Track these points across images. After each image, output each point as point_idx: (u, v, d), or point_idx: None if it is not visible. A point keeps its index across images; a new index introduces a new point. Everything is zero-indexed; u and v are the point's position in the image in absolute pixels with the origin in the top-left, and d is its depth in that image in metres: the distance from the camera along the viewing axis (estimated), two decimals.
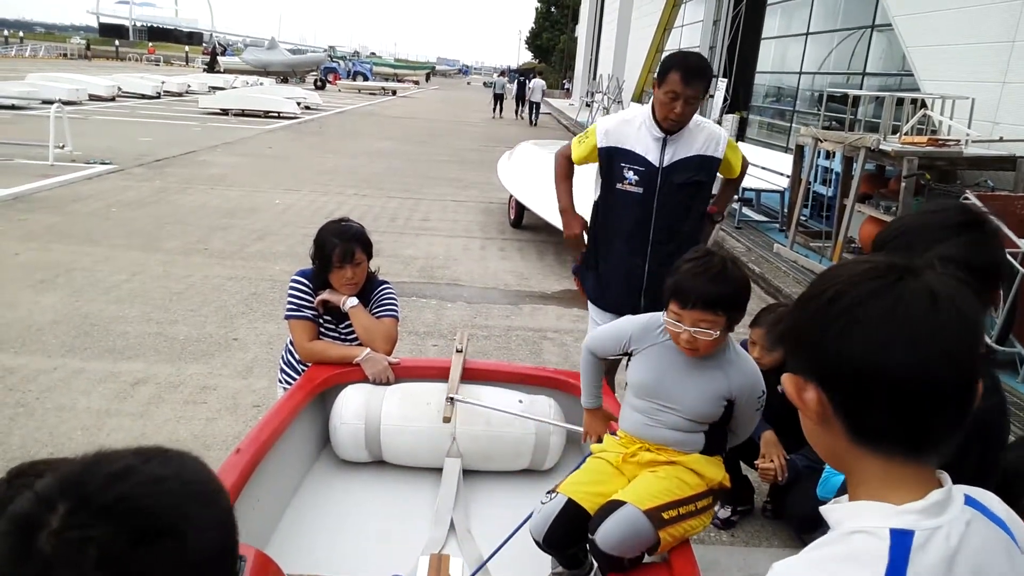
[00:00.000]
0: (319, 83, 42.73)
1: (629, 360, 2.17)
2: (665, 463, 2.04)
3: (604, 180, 3.43)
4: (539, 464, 2.79)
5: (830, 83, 12.03)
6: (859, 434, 0.89)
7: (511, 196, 9.76)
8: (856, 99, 9.97)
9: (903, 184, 6.71)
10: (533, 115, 29.32)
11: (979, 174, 7.42)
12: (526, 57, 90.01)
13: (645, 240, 3.38)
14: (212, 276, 6.81)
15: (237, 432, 4.05)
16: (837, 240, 7.79)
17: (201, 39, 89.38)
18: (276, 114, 22.83)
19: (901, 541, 0.83)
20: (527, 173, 9.32)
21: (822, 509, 0.93)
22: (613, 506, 1.91)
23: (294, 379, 3.00)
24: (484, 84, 76.24)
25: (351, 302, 2.93)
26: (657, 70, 3.25)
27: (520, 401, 2.78)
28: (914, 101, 8.17)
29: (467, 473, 2.72)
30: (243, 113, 22.50)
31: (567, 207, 3.58)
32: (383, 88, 45.02)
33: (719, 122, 15.60)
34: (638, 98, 24.45)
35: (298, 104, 24.63)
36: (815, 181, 9.59)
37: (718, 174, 3.46)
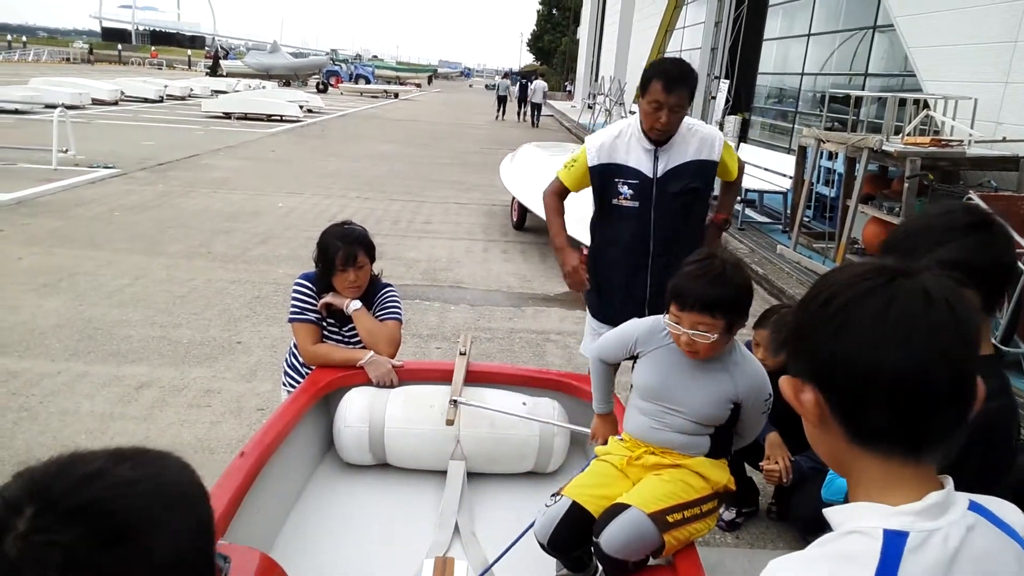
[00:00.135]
0: (321, 86, 42.82)
1: (635, 363, 2.17)
2: (670, 466, 2.03)
3: (598, 197, 3.35)
4: (543, 467, 2.79)
5: (832, 84, 12.02)
6: (857, 435, 0.89)
7: (513, 198, 9.76)
8: (858, 100, 9.97)
9: (906, 185, 6.70)
10: (534, 117, 29.38)
11: (982, 174, 7.41)
12: (528, 59, 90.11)
13: (645, 253, 3.30)
14: (215, 280, 6.82)
15: (241, 435, 4.05)
16: (840, 241, 7.78)
17: (204, 43, 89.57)
18: (278, 118, 22.87)
19: (894, 541, 0.82)
20: (529, 175, 9.32)
21: (825, 512, 0.93)
22: (618, 509, 1.91)
23: (298, 382, 3.00)
24: (486, 87, 76.36)
25: (354, 305, 2.93)
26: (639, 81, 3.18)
27: (524, 403, 2.78)
28: (916, 102, 8.16)
29: (471, 476, 2.72)
30: (245, 117, 22.53)
31: (562, 245, 3.43)
32: (385, 91, 45.09)
33: (721, 124, 15.60)
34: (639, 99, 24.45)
35: (300, 107, 24.68)
36: (818, 182, 9.57)
37: (717, 177, 3.40)
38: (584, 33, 44.31)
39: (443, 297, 6.86)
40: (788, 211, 10.11)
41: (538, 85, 29.58)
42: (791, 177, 9.87)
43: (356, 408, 2.73)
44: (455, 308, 6.58)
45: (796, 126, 13.60)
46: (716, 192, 3.60)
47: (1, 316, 5.55)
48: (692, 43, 20.07)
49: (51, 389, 4.49)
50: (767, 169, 10.98)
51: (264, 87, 34.05)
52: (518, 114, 31.70)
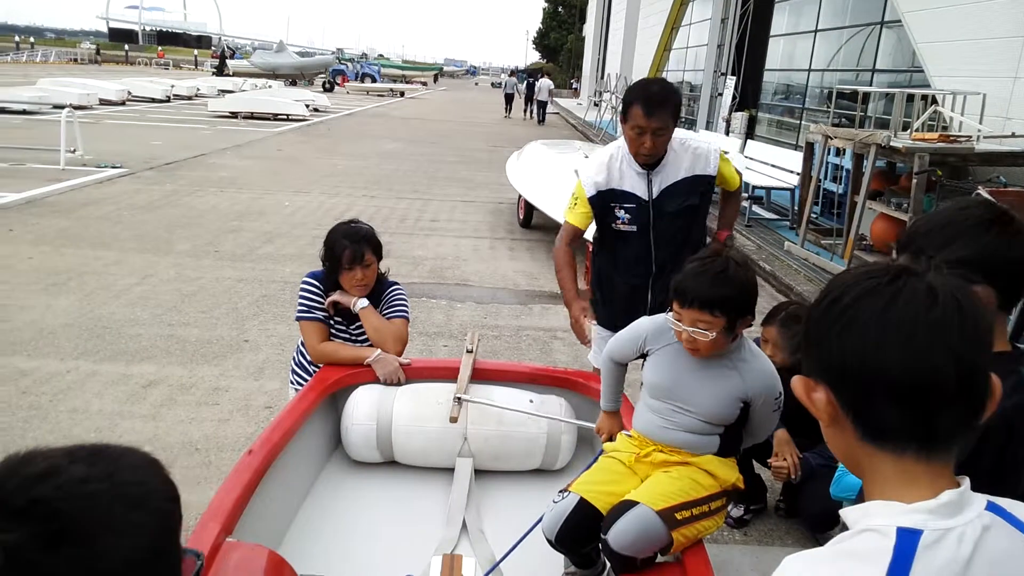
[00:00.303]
0: (327, 85, 42.84)
1: (645, 361, 2.17)
2: (678, 463, 2.03)
3: (598, 222, 3.25)
4: (551, 464, 2.79)
5: (839, 80, 11.96)
6: (867, 433, 0.90)
7: (520, 196, 9.76)
8: (866, 96, 9.91)
9: (914, 181, 6.67)
10: (540, 115, 29.39)
11: (991, 170, 7.37)
12: (533, 57, 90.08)
13: (647, 274, 3.22)
14: (223, 278, 6.84)
15: (249, 433, 4.06)
16: (848, 237, 7.75)
17: (210, 43, 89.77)
18: (285, 117, 22.91)
19: (907, 539, 0.82)
20: (536, 173, 9.32)
21: (840, 512, 0.92)
22: (626, 506, 1.91)
23: (305, 380, 3.01)
24: (492, 85, 76.28)
25: (361, 303, 2.93)
26: (620, 105, 3.05)
27: (531, 401, 2.78)
28: (924, 97, 8.12)
29: (479, 473, 2.72)
30: (252, 116, 22.58)
31: (569, 300, 3.21)
32: (391, 90, 45.11)
33: (727, 120, 15.56)
34: None
35: (307, 106, 24.72)
36: (825, 178, 9.54)
37: (717, 187, 3.30)
38: (590, 30, 44.22)
39: (450, 295, 6.87)
40: (795, 208, 10.08)
41: (543, 83, 29.60)
42: (798, 174, 9.83)
43: (364, 406, 2.74)
44: (462, 306, 6.59)
45: (803, 122, 13.54)
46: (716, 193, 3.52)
47: (11, 315, 5.58)
48: (698, 39, 20.04)
49: (60, 388, 4.51)
50: (774, 166, 10.95)
51: (270, 86, 34.12)
52: (524, 111, 31.71)
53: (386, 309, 3.03)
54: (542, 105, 29.44)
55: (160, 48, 76.78)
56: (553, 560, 2.17)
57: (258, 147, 16.64)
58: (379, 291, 3.04)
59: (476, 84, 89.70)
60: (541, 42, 77.29)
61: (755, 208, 10.93)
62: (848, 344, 0.87)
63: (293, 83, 41.67)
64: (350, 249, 2.86)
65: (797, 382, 0.96)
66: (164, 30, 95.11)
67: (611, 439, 2.35)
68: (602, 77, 33.79)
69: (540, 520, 2.12)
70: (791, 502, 3.64)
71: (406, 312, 3.07)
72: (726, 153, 3.31)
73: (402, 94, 44.61)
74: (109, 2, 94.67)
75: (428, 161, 16.05)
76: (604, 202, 3.14)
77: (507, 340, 5.83)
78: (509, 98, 33.02)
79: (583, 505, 2.00)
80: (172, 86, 28.53)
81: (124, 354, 5.06)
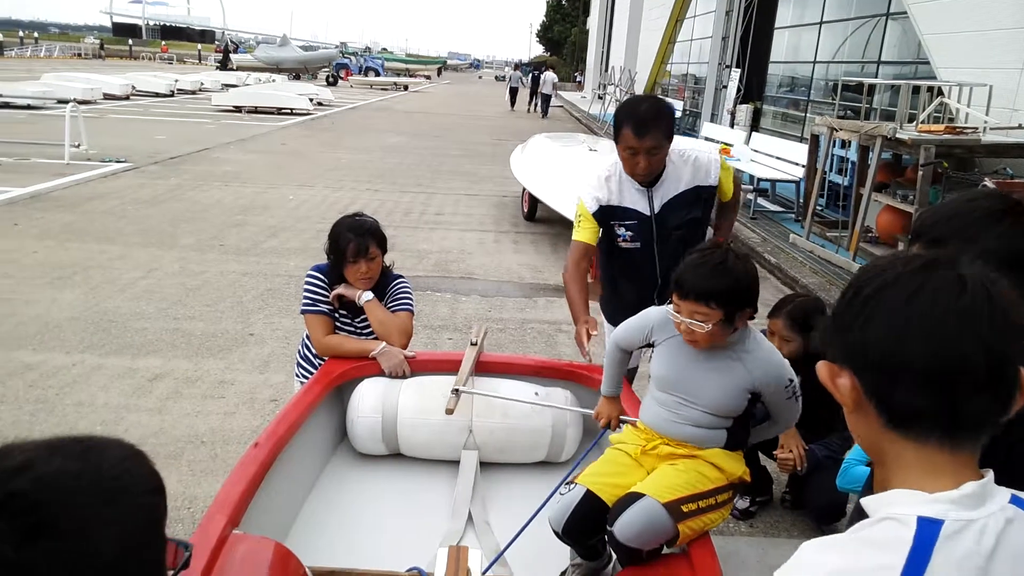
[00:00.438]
0: (331, 79, 42.78)
1: (652, 353, 2.17)
2: (685, 456, 2.03)
3: (603, 237, 3.17)
4: (556, 456, 2.79)
5: (845, 72, 11.91)
6: (891, 420, 0.89)
7: (524, 189, 9.75)
8: (871, 88, 9.88)
9: (920, 172, 6.65)
10: (544, 108, 29.35)
11: (998, 162, 7.34)
12: (537, 50, 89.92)
13: (653, 287, 3.17)
14: (228, 272, 6.84)
15: (255, 426, 4.07)
16: (854, 230, 7.73)
17: (213, 37, 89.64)
18: (289, 111, 22.90)
19: (928, 529, 0.81)
20: (540, 166, 9.31)
21: (862, 500, 0.92)
22: (632, 498, 1.91)
23: (311, 373, 3.01)
24: (495, 78, 76.12)
25: (366, 296, 2.93)
26: (612, 124, 2.95)
27: (536, 393, 2.78)
28: (930, 89, 8.08)
29: (484, 465, 2.72)
30: (256, 110, 22.57)
31: (576, 316, 3.08)
32: (395, 83, 45.02)
33: (732, 113, 15.51)
34: (650, 90, 24.33)
35: (310, 100, 24.70)
36: (831, 171, 9.51)
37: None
38: (594, 23, 44.08)
39: (454, 288, 6.87)
40: (801, 200, 10.05)
41: (547, 76, 29.56)
42: (804, 166, 9.81)
43: (369, 399, 2.74)
44: (466, 299, 6.59)
45: (808, 115, 13.50)
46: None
47: (17, 309, 5.60)
48: (703, 32, 19.96)
49: (67, 381, 4.53)
50: (779, 158, 10.92)
51: (274, 80, 34.09)
52: (530, 104, 31.69)
53: (391, 302, 3.03)
54: (546, 98, 29.40)
55: (164, 43, 76.72)
56: (559, 551, 2.17)
57: (262, 141, 16.64)
58: (384, 284, 3.04)
59: (480, 77, 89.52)
60: (545, 35, 77.05)
61: (760, 200, 10.90)
62: (874, 330, 0.87)
63: (297, 77, 41.63)
64: (354, 242, 2.85)
65: (822, 367, 0.96)
66: (168, 25, 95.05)
67: (609, 425, 2.37)
68: (606, 70, 33.69)
69: (541, 507, 2.13)
70: (797, 494, 3.64)
71: (411, 305, 3.06)
72: (728, 159, 3.23)
73: (406, 88, 44.53)
74: None
75: (432, 155, 16.03)
76: (606, 219, 3.07)
77: (512, 333, 5.83)
78: (514, 92, 33.00)
79: (590, 497, 2.00)
80: (176, 81, 28.50)
81: (130, 347, 5.07)
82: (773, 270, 7.85)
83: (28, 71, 31.09)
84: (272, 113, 22.50)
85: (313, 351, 3.06)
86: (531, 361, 3.35)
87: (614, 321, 3.39)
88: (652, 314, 2.18)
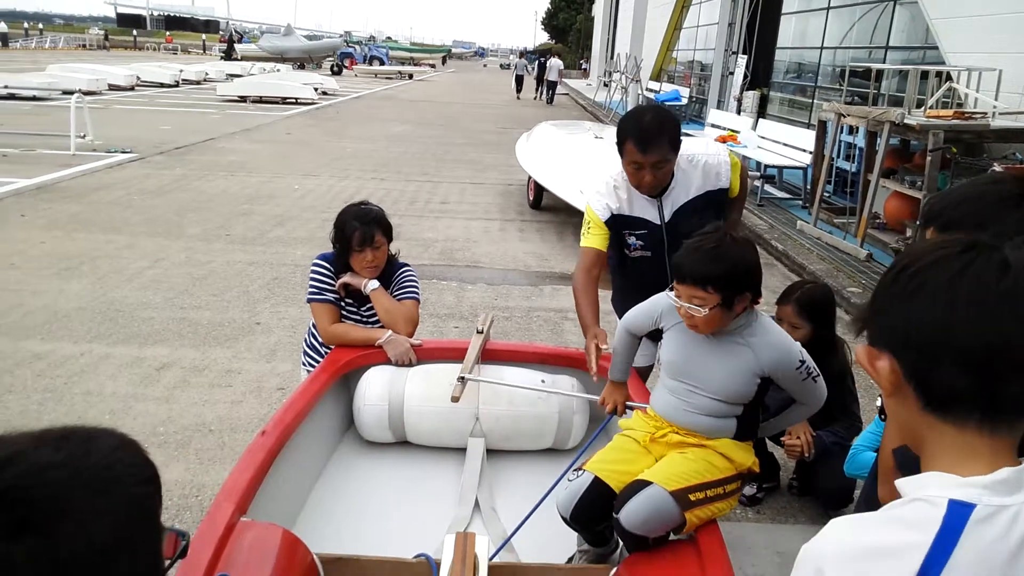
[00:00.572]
0: (336, 68, 42.69)
1: (661, 340, 2.17)
2: (694, 445, 2.02)
3: (613, 246, 3.06)
4: (562, 443, 2.79)
5: (852, 58, 11.83)
6: (929, 402, 0.88)
7: (530, 177, 9.73)
8: (879, 73, 9.80)
9: (929, 158, 6.60)
10: (550, 95, 29.27)
11: (1007, 147, 7.29)
12: (542, 38, 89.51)
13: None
14: (234, 262, 6.85)
15: (262, 415, 4.08)
16: (861, 216, 7.69)
17: (218, 27, 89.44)
18: (293, 100, 22.87)
19: (958, 512, 0.81)
20: (545, 154, 9.28)
21: (897, 482, 0.91)
22: (639, 486, 1.91)
23: (317, 362, 3.01)
24: (500, 66, 75.86)
25: (372, 285, 2.93)
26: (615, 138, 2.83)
27: (543, 381, 2.77)
28: (939, 74, 8.02)
29: (491, 452, 2.72)
30: (261, 100, 22.55)
31: (585, 326, 2.92)
32: (399, 72, 44.96)
33: (739, 99, 15.43)
34: (656, 77, 24.22)
35: (315, 90, 24.64)
36: (838, 157, 9.46)
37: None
38: (599, 10, 43.82)
39: (460, 277, 6.86)
40: (808, 186, 10.01)
41: (553, 63, 29.50)
42: (811, 152, 9.76)
43: (375, 387, 2.74)
44: (472, 287, 6.58)
45: (816, 101, 13.41)
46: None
47: (24, 299, 5.62)
48: (709, 18, 19.84)
49: (75, 370, 4.54)
50: (786, 144, 10.86)
51: (279, 70, 34.05)
52: (536, 92, 31.62)
53: (397, 290, 3.03)
54: (552, 85, 29.33)
55: (168, 33, 76.60)
56: (566, 537, 2.17)
57: (267, 131, 16.63)
58: (390, 273, 3.03)
59: (485, 66, 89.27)
60: (550, 22, 76.70)
61: (767, 187, 10.85)
62: (915, 311, 0.87)
63: (301, 66, 41.53)
64: (360, 231, 2.85)
65: (861, 351, 0.95)
66: (172, 15, 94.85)
67: (615, 410, 2.36)
68: (612, 57, 33.52)
69: (548, 493, 2.13)
70: (804, 480, 3.63)
71: (417, 293, 3.06)
72: (733, 146, 3.15)
73: (410, 76, 44.44)
74: None
75: (437, 143, 16.00)
76: (617, 227, 2.97)
77: (518, 321, 5.83)
78: (520, 79, 32.93)
79: (597, 484, 2.00)
80: (181, 71, 28.49)
81: (137, 337, 5.09)
82: (780, 257, 7.82)
83: (33, 62, 31.13)
84: (277, 103, 22.48)
85: (319, 340, 3.06)
86: (537, 349, 3.34)
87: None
88: (661, 299, 2.18)
